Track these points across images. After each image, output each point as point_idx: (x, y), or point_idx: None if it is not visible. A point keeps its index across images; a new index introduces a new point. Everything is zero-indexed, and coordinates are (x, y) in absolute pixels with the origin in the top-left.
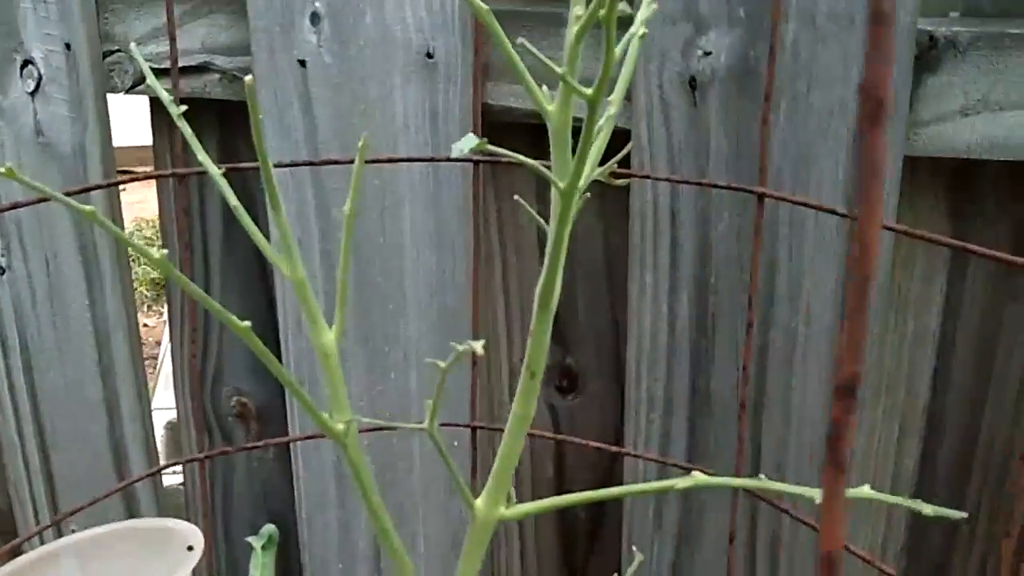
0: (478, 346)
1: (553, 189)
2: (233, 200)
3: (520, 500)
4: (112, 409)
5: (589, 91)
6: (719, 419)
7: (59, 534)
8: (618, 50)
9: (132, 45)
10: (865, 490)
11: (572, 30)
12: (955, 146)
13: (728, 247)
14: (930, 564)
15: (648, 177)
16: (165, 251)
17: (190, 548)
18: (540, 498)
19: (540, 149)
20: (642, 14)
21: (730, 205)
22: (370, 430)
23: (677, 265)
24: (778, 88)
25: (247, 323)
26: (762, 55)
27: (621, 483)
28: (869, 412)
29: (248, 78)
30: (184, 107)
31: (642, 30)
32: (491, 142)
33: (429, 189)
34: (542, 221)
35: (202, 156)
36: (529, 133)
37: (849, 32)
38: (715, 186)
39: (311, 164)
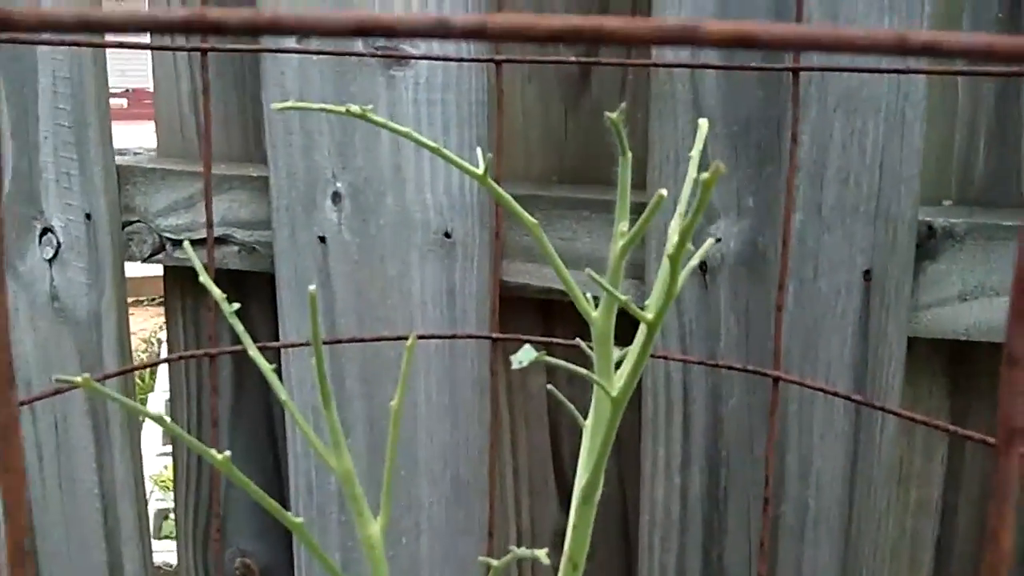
0: (542, 554)
1: (597, 394)
2: (283, 395)
3: None
4: (115, 572)
5: (650, 317)
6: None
7: None
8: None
9: (187, 245)
10: None
11: (617, 245)
12: (955, 328)
13: (739, 423)
14: None
15: (665, 357)
16: (228, 453)
17: None
18: None
19: (549, 323)
20: (704, 247)
21: (740, 383)
22: None
23: (689, 439)
24: (790, 274)
25: (300, 520)
26: (770, 242)
27: None
28: None
29: (311, 288)
30: (237, 305)
31: (694, 261)
32: (503, 316)
33: (444, 363)
34: (576, 412)
35: (254, 352)
36: (541, 309)
37: (853, 219)
38: (730, 368)
39: (334, 342)
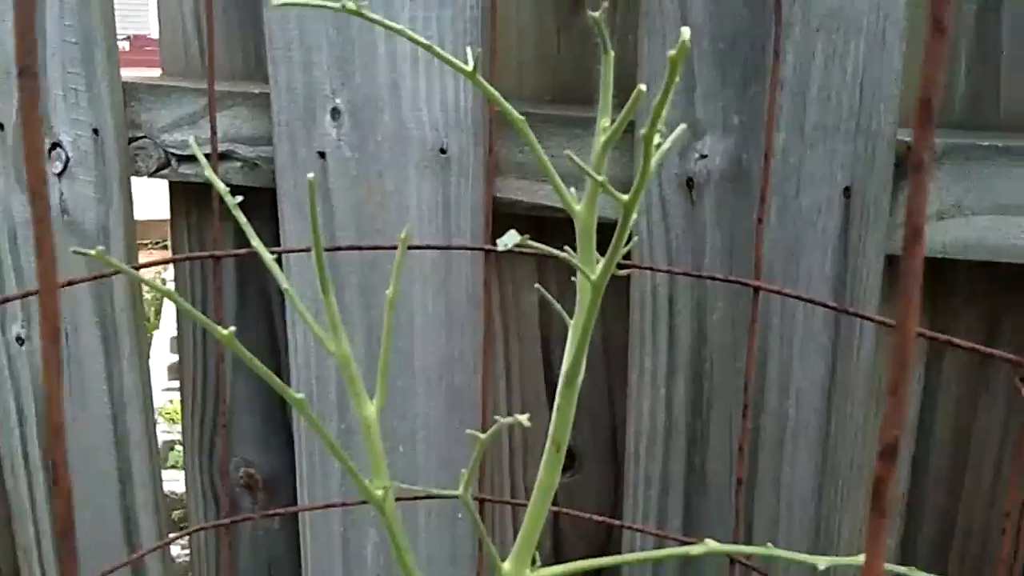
0: (524, 419)
1: (580, 280)
2: (284, 283)
3: None
4: (124, 479)
5: (625, 197)
6: (713, 496)
7: None
8: (654, 161)
9: (191, 139)
10: (860, 558)
11: (599, 140)
12: (931, 247)
13: (722, 335)
14: None
15: (651, 269)
16: (233, 328)
17: None
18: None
19: (541, 239)
20: (674, 135)
21: (724, 296)
22: (403, 498)
23: (674, 350)
24: (772, 189)
25: (301, 395)
26: (754, 159)
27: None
28: (854, 496)
29: (310, 176)
30: (241, 198)
31: (668, 145)
32: (496, 232)
33: (440, 276)
34: (560, 308)
35: (256, 242)
36: (533, 225)
37: (834, 138)
38: (713, 278)
39: (333, 249)
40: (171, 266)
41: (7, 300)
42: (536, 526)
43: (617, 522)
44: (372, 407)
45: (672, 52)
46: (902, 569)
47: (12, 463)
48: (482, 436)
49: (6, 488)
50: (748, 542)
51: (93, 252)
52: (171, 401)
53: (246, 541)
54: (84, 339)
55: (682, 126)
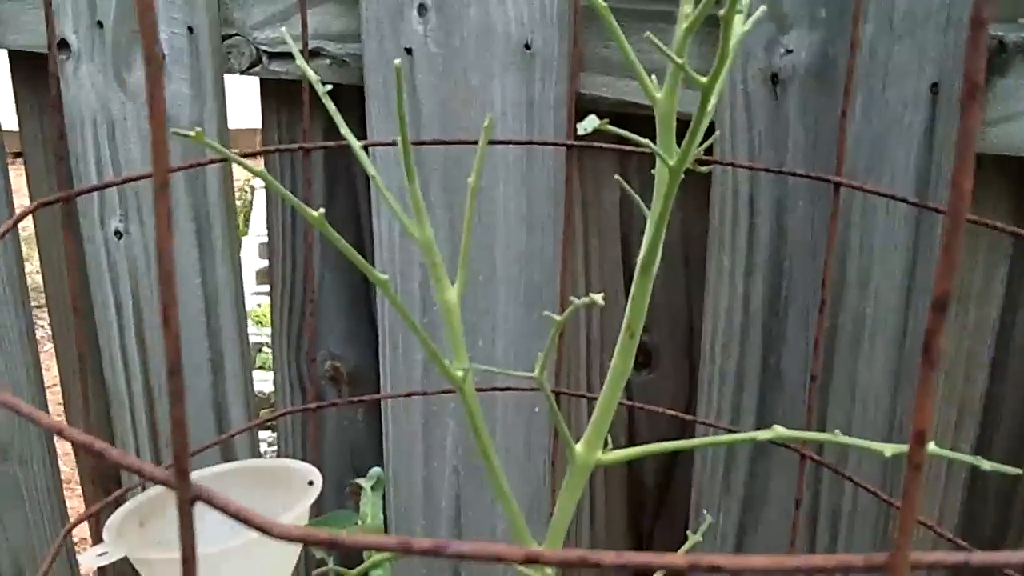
0: (598, 298)
1: (659, 166)
2: (371, 170)
3: (593, 471)
4: (217, 369)
5: (704, 79)
6: (788, 395)
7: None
8: (732, 43)
9: (284, 31)
10: (931, 447)
11: (682, 26)
12: (1021, 145)
13: (802, 233)
14: (983, 546)
15: (731, 164)
16: (323, 210)
17: (310, 483)
18: (613, 468)
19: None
20: (754, 17)
21: (805, 194)
22: (482, 389)
23: (753, 249)
24: (855, 84)
25: (386, 276)
26: (840, 53)
27: (691, 456)
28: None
29: (396, 62)
30: (330, 86)
31: (749, 25)
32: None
33: (522, 172)
34: (639, 199)
35: (344, 130)
36: (616, 122)
37: (924, 30)
38: (794, 174)
39: (419, 143)
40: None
41: (108, 186)
42: (609, 410)
43: (690, 417)
44: (453, 292)
45: None
46: (969, 458)
47: (111, 354)
48: (558, 318)
49: (104, 379)
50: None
51: (192, 133)
52: (259, 305)
53: (331, 431)
54: (178, 233)
55: (762, 8)
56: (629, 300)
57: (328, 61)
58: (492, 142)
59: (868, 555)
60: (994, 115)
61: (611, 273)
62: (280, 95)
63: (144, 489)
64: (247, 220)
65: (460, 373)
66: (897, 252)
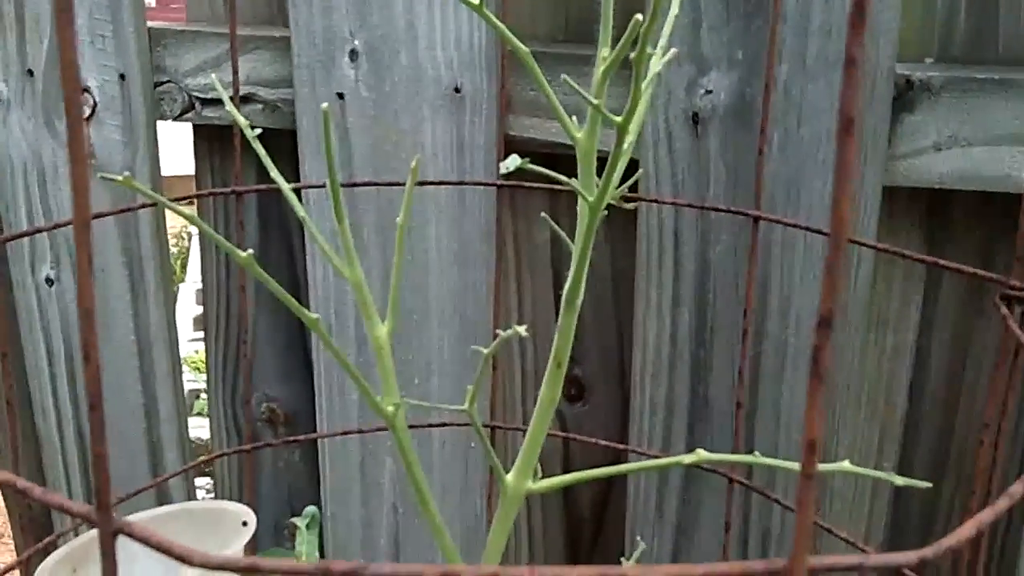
0: (522, 329)
1: (580, 203)
2: (301, 212)
3: (530, 501)
4: (151, 414)
5: (619, 118)
6: (716, 423)
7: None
8: (644, 85)
9: (215, 79)
10: (845, 464)
11: (599, 69)
12: (929, 177)
13: (725, 266)
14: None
15: (656, 201)
16: (251, 251)
17: (244, 523)
18: (549, 499)
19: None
20: (666, 56)
21: (728, 228)
22: (416, 425)
23: (679, 282)
24: (772, 122)
25: (316, 315)
26: (758, 93)
27: (625, 485)
28: (851, 418)
29: (324, 106)
30: (259, 130)
31: (659, 70)
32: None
33: (454, 211)
34: (565, 236)
35: (274, 173)
36: (545, 162)
37: (835, 71)
38: (715, 209)
39: (351, 185)
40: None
41: (38, 231)
42: (538, 439)
43: (622, 446)
44: (383, 329)
45: None
46: (881, 474)
47: (42, 402)
48: (485, 351)
49: (36, 426)
50: (749, 466)
51: (120, 177)
52: (196, 351)
53: (268, 474)
54: (111, 277)
55: (673, 50)
56: (556, 333)
57: (261, 106)
58: (423, 183)
59: (768, 560)
60: (904, 150)
61: (544, 307)
62: (213, 140)
63: (75, 533)
64: (184, 266)
65: (391, 408)
66: (816, 282)
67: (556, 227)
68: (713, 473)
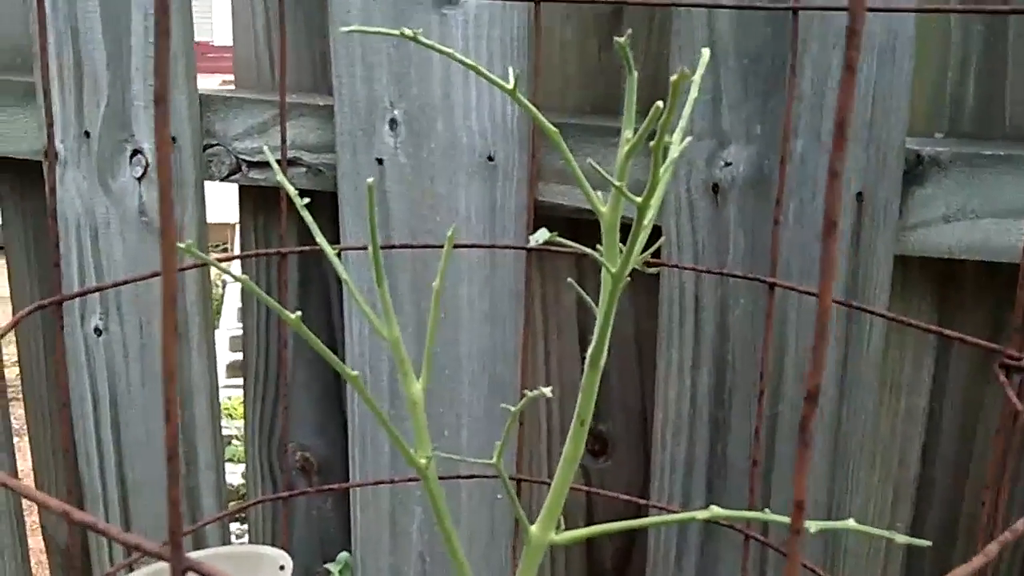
0: (547, 391)
1: (604, 272)
2: (344, 274)
3: (554, 553)
4: (190, 461)
5: (639, 199)
6: (734, 480)
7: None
8: (662, 169)
9: (265, 147)
10: (851, 522)
11: (623, 150)
12: (939, 248)
13: (743, 329)
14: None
15: (676, 267)
16: (299, 312)
17: (281, 568)
18: (573, 551)
19: (580, 240)
20: (682, 142)
21: (746, 293)
22: (445, 477)
23: (699, 344)
24: (788, 193)
25: (356, 372)
26: (775, 165)
27: (646, 539)
28: (865, 479)
29: (369, 180)
30: (307, 199)
31: (677, 154)
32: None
33: (486, 272)
34: (590, 300)
35: (320, 238)
36: (571, 226)
37: (849, 145)
38: (733, 276)
39: (388, 247)
40: (236, 265)
41: (99, 290)
42: (561, 492)
43: (643, 501)
44: (418, 385)
45: (674, 77)
46: (884, 532)
47: (86, 449)
48: (513, 409)
49: (79, 472)
50: (764, 521)
51: (183, 245)
52: (229, 398)
53: (301, 521)
54: (158, 331)
55: (688, 138)
56: (580, 392)
57: (304, 169)
58: (457, 245)
59: None
60: (914, 220)
61: (570, 366)
62: (257, 200)
63: None
64: (217, 313)
65: (424, 460)
66: (830, 347)
67: (582, 292)
68: (730, 529)
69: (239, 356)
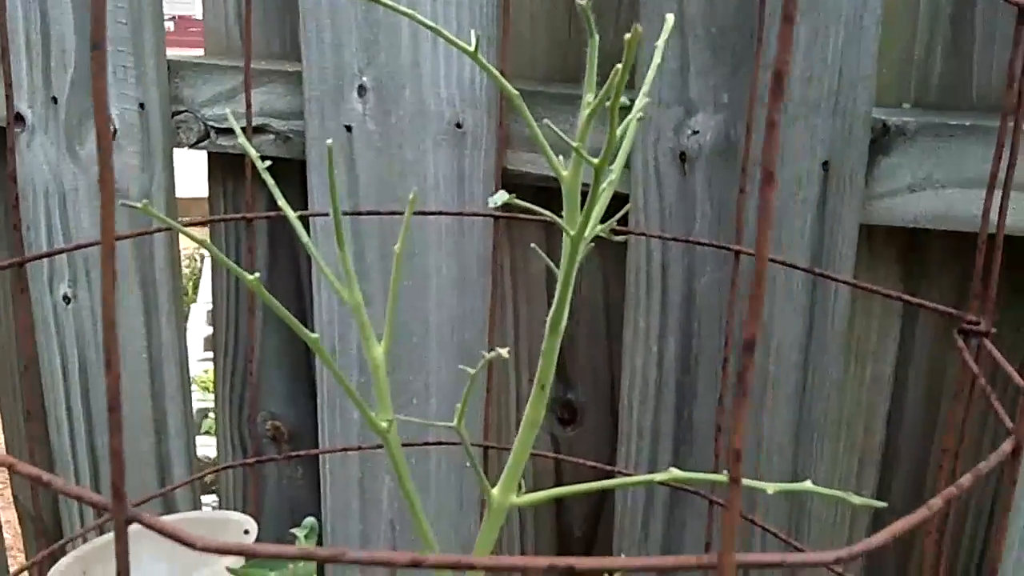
0: (504, 351)
1: (564, 236)
2: (305, 238)
3: (523, 519)
4: (160, 428)
5: (596, 160)
6: (700, 445)
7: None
8: (619, 130)
9: (229, 113)
10: (807, 484)
11: (584, 113)
12: (904, 217)
13: (710, 297)
14: None
15: (643, 235)
16: (258, 274)
17: (246, 532)
18: (542, 518)
19: (549, 207)
20: (639, 104)
21: (712, 261)
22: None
23: (666, 312)
24: (753, 162)
25: (316, 335)
26: (742, 134)
27: (613, 506)
28: (830, 446)
29: (329, 141)
30: (269, 162)
31: (638, 115)
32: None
33: (454, 240)
34: (552, 264)
35: (282, 202)
36: (540, 194)
37: (815, 115)
38: (700, 243)
39: (355, 214)
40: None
41: (61, 252)
42: (522, 456)
43: (610, 467)
44: (379, 349)
45: (628, 36)
46: (838, 493)
47: (56, 417)
48: (472, 371)
49: (50, 442)
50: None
51: (139, 204)
52: (206, 371)
53: (271, 490)
54: (126, 297)
55: (646, 99)
56: (541, 356)
57: (273, 136)
58: (424, 212)
59: (700, 555)
60: (880, 190)
61: (538, 333)
62: (226, 168)
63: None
64: (196, 287)
65: (384, 424)
66: (795, 314)
67: (546, 258)
68: (695, 495)
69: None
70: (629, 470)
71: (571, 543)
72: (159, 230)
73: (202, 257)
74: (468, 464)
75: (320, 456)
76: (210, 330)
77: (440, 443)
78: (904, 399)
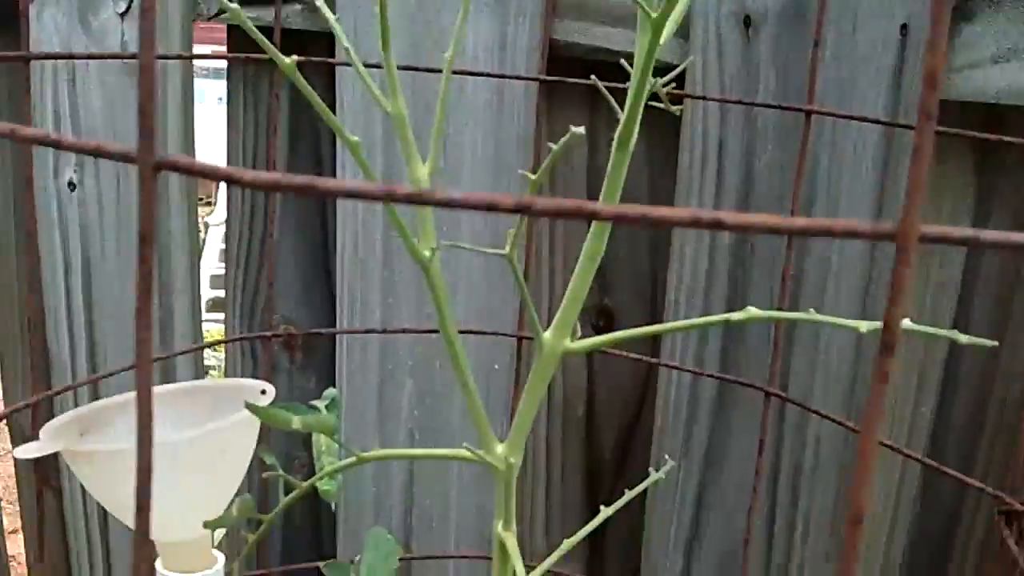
0: (580, 130)
1: (640, 18)
2: (345, 42)
3: (550, 442)
4: (165, 325)
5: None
6: (751, 345)
7: None
8: None
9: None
10: (906, 323)
11: None
12: (985, 91)
13: (770, 178)
14: (942, 514)
15: (703, 98)
16: (295, 57)
17: (263, 392)
18: (571, 440)
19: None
20: None
21: (773, 138)
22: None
23: (721, 193)
24: (825, 26)
25: (356, 139)
26: None
27: (651, 424)
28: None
29: None
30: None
31: None
32: (550, 73)
33: (492, 117)
34: (616, 106)
35: (320, 3)
36: (588, 69)
37: None
38: (766, 105)
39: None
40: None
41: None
42: (579, 297)
43: (655, 360)
44: (424, 169)
45: None
46: (945, 332)
47: (55, 314)
48: (532, 177)
49: (47, 341)
50: (784, 388)
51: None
52: (209, 331)
53: (284, 400)
54: (135, 187)
55: None
56: (606, 177)
57: (300, 7)
58: (463, 72)
59: (874, 222)
60: (960, 62)
61: (576, 227)
62: (246, 39)
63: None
64: (200, 253)
65: (427, 253)
66: (863, 198)
67: (606, 92)
68: (749, 387)
69: (220, 293)
70: (675, 363)
71: (602, 469)
72: (179, 56)
73: (207, 226)
74: (497, 367)
75: (336, 363)
76: (213, 293)
77: (472, 332)
78: (971, 308)
